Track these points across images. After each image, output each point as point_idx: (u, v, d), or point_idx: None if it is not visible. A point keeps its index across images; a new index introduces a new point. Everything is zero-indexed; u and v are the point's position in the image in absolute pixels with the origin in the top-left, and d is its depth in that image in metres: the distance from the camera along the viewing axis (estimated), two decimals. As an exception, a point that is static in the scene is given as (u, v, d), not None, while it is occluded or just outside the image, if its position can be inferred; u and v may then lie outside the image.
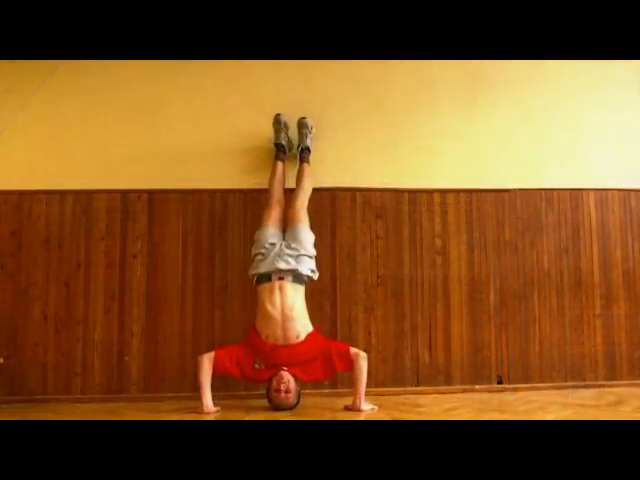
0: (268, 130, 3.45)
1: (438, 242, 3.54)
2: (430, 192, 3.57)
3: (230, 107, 3.56)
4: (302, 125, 3.45)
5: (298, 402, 2.87)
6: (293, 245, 3.07)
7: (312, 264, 3.11)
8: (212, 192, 3.47)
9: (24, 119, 3.47)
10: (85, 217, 3.40)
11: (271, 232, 3.14)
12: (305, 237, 3.13)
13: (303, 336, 2.92)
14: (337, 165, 3.53)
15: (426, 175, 3.59)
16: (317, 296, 3.34)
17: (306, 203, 3.26)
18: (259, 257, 3.07)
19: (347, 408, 2.87)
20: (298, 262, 3.02)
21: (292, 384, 2.80)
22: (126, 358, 3.32)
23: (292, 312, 2.91)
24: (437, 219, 3.56)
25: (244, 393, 3.26)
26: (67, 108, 3.51)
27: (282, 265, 2.98)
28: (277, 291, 2.96)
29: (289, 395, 2.79)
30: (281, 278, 2.98)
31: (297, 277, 3.01)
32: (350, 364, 2.86)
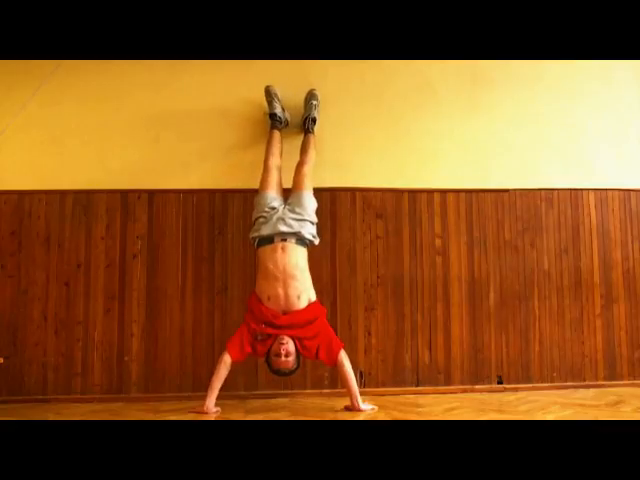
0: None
1: (438, 242, 3.54)
2: (430, 192, 3.57)
3: (230, 107, 3.55)
4: (313, 96, 3.48)
5: (298, 367, 2.84)
6: (297, 210, 3.07)
7: (314, 230, 3.11)
8: (212, 192, 3.47)
9: (24, 119, 3.47)
10: (85, 217, 3.40)
11: (271, 196, 3.14)
12: (309, 203, 3.14)
13: (305, 300, 2.90)
14: (337, 165, 3.54)
15: (426, 175, 3.59)
16: (317, 296, 3.33)
17: (311, 171, 3.27)
18: (261, 220, 3.06)
19: (347, 408, 2.87)
20: (301, 226, 3.02)
21: (292, 347, 2.77)
22: (126, 358, 3.32)
23: (294, 270, 2.90)
24: (437, 219, 3.56)
25: (244, 393, 3.26)
26: (67, 108, 3.50)
27: (285, 228, 2.98)
28: (279, 250, 2.95)
29: (289, 359, 2.76)
30: (284, 240, 2.97)
31: (300, 240, 3.01)
32: (333, 363, 2.87)
